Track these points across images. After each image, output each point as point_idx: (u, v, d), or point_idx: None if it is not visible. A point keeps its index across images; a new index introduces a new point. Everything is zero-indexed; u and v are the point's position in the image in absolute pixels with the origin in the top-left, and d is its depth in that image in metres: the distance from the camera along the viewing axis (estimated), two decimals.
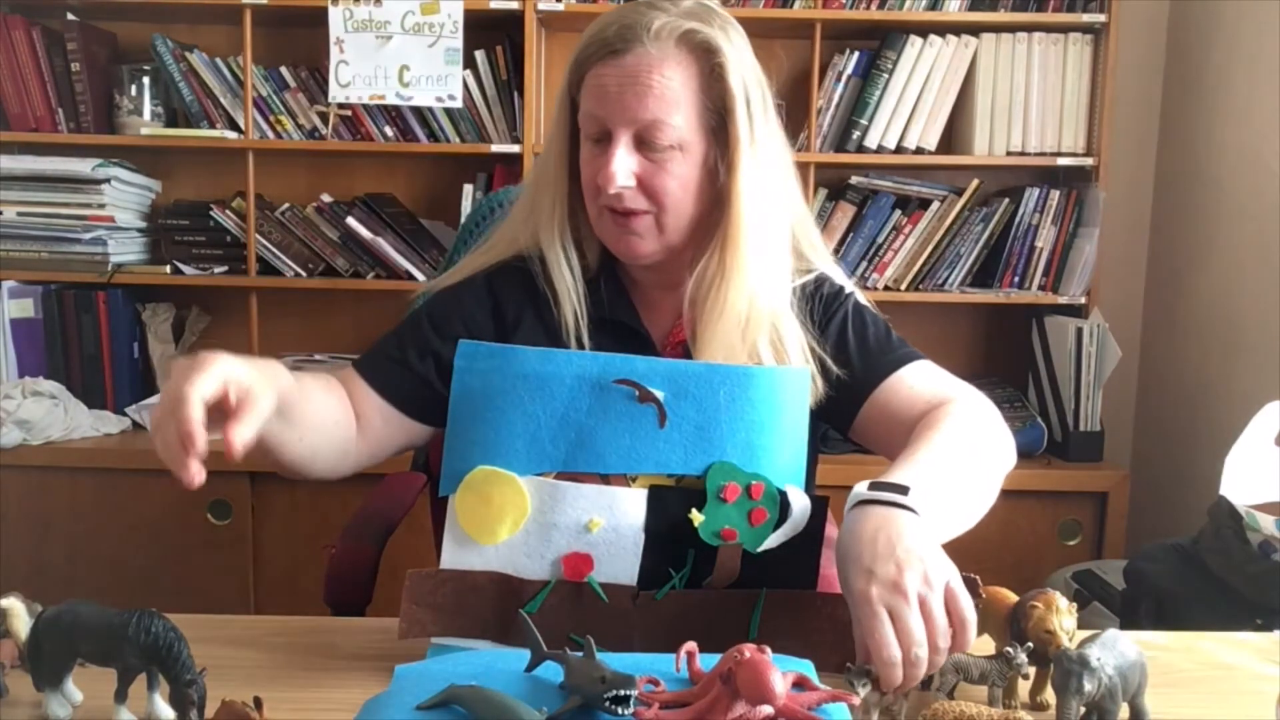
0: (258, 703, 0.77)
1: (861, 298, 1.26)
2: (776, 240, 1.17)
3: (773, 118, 1.17)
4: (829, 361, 1.15)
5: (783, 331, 1.15)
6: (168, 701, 0.83)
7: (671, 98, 1.10)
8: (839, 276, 1.26)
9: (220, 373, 0.87)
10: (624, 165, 1.10)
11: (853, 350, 1.18)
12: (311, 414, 1.07)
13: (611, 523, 1.01)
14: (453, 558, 1.03)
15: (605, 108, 1.11)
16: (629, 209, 1.13)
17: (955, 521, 1.01)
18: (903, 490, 0.93)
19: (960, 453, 1.04)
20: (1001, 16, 2.47)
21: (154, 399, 2.50)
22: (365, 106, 2.50)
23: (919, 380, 1.15)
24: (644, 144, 1.11)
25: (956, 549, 0.94)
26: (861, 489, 0.94)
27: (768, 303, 1.14)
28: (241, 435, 0.87)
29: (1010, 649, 0.88)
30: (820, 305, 1.21)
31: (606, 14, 1.15)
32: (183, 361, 0.89)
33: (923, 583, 0.85)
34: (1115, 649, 0.86)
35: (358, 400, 1.16)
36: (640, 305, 1.22)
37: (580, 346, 1.16)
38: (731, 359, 1.11)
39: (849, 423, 1.18)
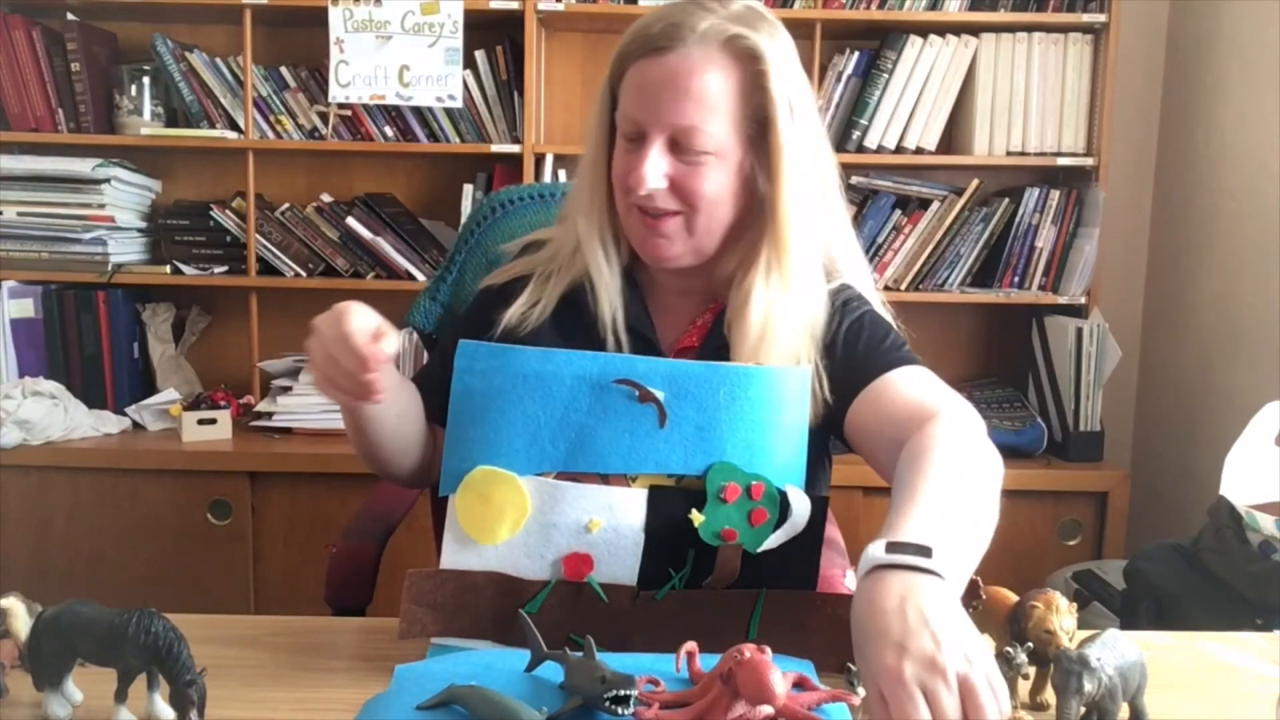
0: None
1: (881, 309, 1.20)
2: (816, 254, 1.14)
3: (814, 123, 1.13)
4: (824, 376, 1.12)
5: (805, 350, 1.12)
6: (168, 701, 0.83)
7: (710, 103, 1.06)
8: (866, 289, 1.21)
9: (366, 310, 1.00)
10: (656, 168, 1.07)
11: (846, 351, 1.14)
12: (406, 398, 1.16)
13: (611, 523, 1.01)
14: (453, 558, 1.03)
15: (642, 108, 1.08)
16: (659, 209, 1.09)
17: (971, 566, 0.92)
18: (925, 552, 0.80)
19: (964, 487, 0.95)
20: (1001, 16, 2.47)
21: (154, 399, 2.50)
22: (365, 106, 2.50)
23: (906, 385, 1.09)
24: (678, 147, 1.08)
25: None
26: (878, 552, 0.81)
27: (809, 320, 1.12)
28: (390, 344, 0.97)
29: (1010, 649, 0.88)
30: (835, 315, 1.16)
31: (654, 10, 1.11)
32: (332, 313, 1.00)
33: (963, 660, 0.73)
34: (1115, 649, 0.86)
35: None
36: (655, 310, 1.19)
37: (616, 338, 1.14)
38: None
39: (841, 423, 1.13)
